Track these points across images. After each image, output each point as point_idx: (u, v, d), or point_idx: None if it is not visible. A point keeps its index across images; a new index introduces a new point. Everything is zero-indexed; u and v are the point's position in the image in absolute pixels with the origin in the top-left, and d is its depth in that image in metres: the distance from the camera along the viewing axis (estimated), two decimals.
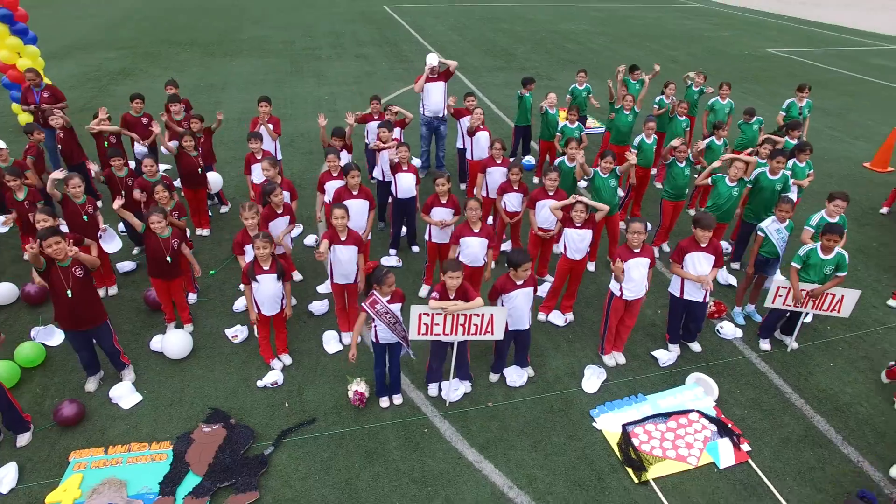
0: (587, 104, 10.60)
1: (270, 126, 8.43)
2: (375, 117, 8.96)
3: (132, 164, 8.12)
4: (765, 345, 6.42)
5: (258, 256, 5.30)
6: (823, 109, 14.54)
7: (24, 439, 5.03)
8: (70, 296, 4.98)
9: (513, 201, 7.13)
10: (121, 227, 7.93)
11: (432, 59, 9.55)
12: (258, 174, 7.59)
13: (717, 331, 6.62)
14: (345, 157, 7.83)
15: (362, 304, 5.04)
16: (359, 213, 6.36)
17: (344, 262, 5.72)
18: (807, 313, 6.19)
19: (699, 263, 5.74)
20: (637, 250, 5.57)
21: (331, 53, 18.76)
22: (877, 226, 9.19)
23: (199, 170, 7.92)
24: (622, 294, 5.71)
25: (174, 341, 5.93)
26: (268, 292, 5.42)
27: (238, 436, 5.09)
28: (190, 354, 6.05)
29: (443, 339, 5.22)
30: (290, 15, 25.51)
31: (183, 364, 5.97)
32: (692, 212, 9.25)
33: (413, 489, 4.76)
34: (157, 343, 6.11)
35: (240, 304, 6.74)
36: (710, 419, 5.48)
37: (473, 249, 6.10)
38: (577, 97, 10.37)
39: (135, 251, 7.74)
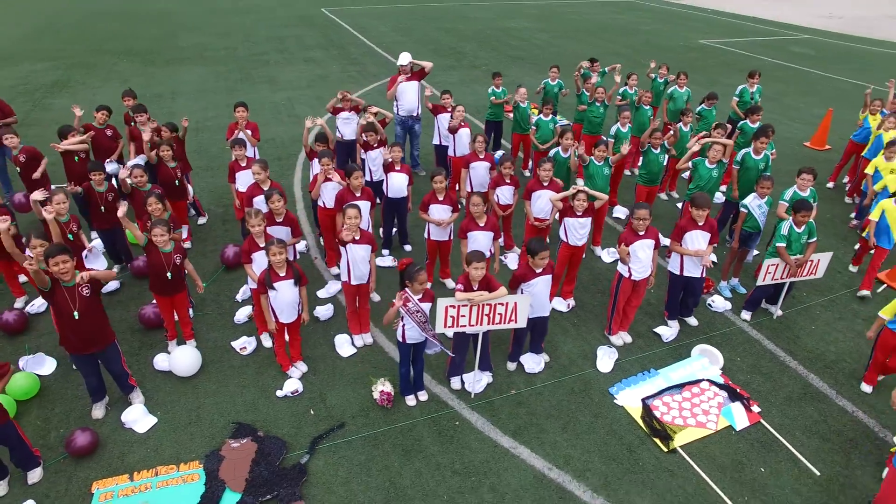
0: (559, 99, 10.88)
1: (249, 132, 8.22)
2: (347, 109, 8.96)
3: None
4: (746, 315, 6.85)
5: (274, 263, 5.18)
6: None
7: (35, 475, 4.72)
8: (77, 317, 4.70)
9: (505, 194, 7.27)
10: (97, 243, 7.49)
11: (404, 59, 9.57)
12: (243, 182, 7.39)
13: (709, 305, 7.00)
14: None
15: (393, 300, 5.03)
16: (364, 213, 6.32)
17: (359, 261, 5.68)
18: (792, 284, 6.64)
19: (697, 241, 6.07)
20: (641, 233, 5.83)
21: (278, 59, 18.33)
22: (826, 199, 9.95)
23: (177, 181, 7.62)
24: (630, 275, 5.96)
25: (183, 358, 5.70)
26: (286, 299, 5.31)
27: (270, 447, 4.97)
28: (199, 371, 5.83)
29: (468, 331, 5.27)
30: (225, 21, 24.69)
31: (193, 381, 5.75)
32: (664, 195, 9.73)
33: (457, 481, 4.81)
34: (162, 362, 5.85)
35: (241, 315, 6.54)
36: (720, 386, 5.82)
37: (480, 243, 6.19)
38: (548, 92, 10.65)
39: (115, 269, 7.34)
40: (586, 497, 4.73)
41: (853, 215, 9.16)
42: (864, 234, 7.47)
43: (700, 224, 5.98)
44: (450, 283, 7.21)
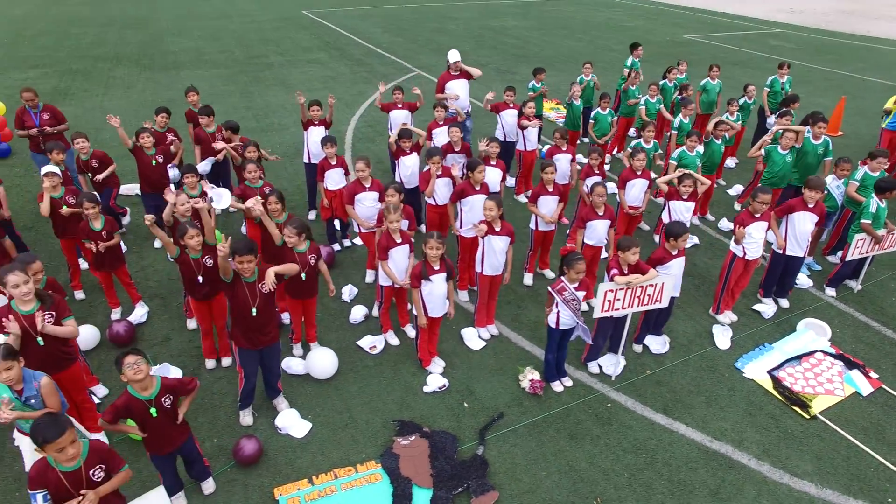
0: (594, 93, 11.15)
1: (322, 128, 8.13)
2: (399, 106, 8.97)
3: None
4: (830, 291, 7.24)
5: (430, 256, 5.19)
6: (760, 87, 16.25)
7: (209, 486, 4.60)
8: (255, 314, 4.62)
9: None
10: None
11: (453, 56, 9.68)
12: (333, 181, 7.32)
13: (794, 283, 7.35)
14: (414, 159, 7.68)
15: (548, 288, 5.13)
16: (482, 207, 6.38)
17: (497, 251, 5.74)
18: (872, 258, 7.06)
19: (802, 222, 6.38)
20: (758, 215, 6.10)
21: (281, 61, 17.99)
22: None
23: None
24: (745, 255, 6.23)
25: (323, 361, 5.63)
26: (439, 293, 5.33)
27: (442, 442, 4.97)
28: (334, 373, 5.76)
29: (617, 315, 5.41)
30: (208, 25, 23.98)
31: (333, 384, 5.67)
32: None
33: (631, 458, 4.95)
34: (296, 366, 5.75)
35: (358, 314, 6.49)
36: (833, 356, 6.16)
37: (598, 232, 6.36)
38: (585, 87, 10.88)
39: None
40: (752, 464, 4.95)
41: None
42: None
43: (811, 206, 6.29)
44: (549, 273, 7.33)
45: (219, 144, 7.62)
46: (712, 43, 22.26)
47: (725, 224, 8.66)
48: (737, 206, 9.23)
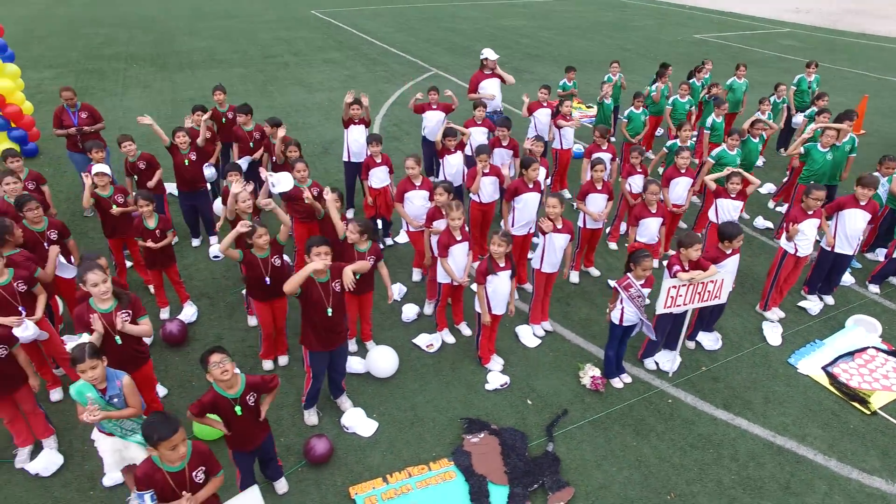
0: (621, 92, 11.17)
1: (362, 126, 8.13)
2: (434, 107, 8.93)
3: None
4: (874, 288, 7.28)
5: (495, 254, 5.20)
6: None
7: (282, 486, 4.59)
8: (330, 314, 4.60)
9: (637, 183, 7.47)
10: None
11: (491, 54, 9.67)
12: (378, 179, 7.32)
13: (840, 281, 7.38)
14: (459, 157, 7.69)
15: (614, 284, 5.15)
16: (535, 205, 6.40)
17: (557, 249, 5.76)
18: None
19: (854, 219, 6.42)
20: (811, 212, 6.14)
21: (297, 61, 17.96)
22: None
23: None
24: (796, 251, 6.27)
25: (386, 361, 5.63)
26: (503, 290, 5.34)
27: (512, 439, 4.98)
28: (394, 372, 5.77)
29: (677, 311, 5.42)
30: (217, 25, 23.91)
31: (394, 382, 5.68)
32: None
33: (698, 454, 4.97)
34: (356, 364, 5.74)
35: (410, 313, 6.49)
36: (886, 352, 6.19)
37: (650, 230, 6.39)
38: (615, 88, 10.88)
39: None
40: (819, 459, 4.98)
41: None
42: None
43: (862, 203, 6.33)
44: (594, 270, 7.36)
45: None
46: (724, 42, 22.33)
47: (761, 222, 8.70)
48: (771, 205, 9.28)
